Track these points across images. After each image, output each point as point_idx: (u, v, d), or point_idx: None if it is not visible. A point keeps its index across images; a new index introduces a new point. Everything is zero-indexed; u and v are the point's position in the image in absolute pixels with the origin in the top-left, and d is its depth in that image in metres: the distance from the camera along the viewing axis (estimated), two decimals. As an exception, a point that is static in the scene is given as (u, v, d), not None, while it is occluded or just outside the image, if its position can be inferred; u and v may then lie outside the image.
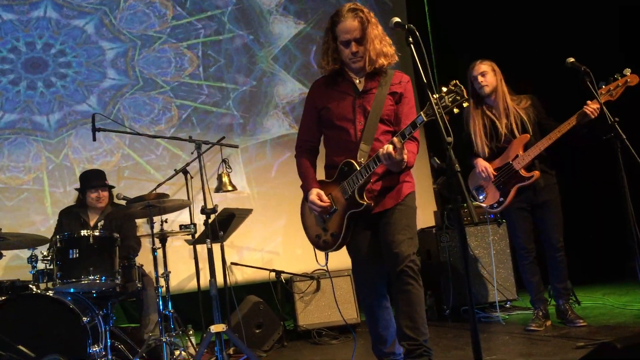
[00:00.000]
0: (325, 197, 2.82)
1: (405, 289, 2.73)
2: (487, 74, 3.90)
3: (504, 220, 4.89)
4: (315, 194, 2.82)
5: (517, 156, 3.84)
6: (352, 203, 2.76)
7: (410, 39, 2.35)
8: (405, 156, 2.63)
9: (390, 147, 2.58)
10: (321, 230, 2.89)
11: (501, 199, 3.92)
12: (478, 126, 3.92)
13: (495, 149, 3.93)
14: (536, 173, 3.82)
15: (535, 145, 3.79)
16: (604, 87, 3.61)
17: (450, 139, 2.18)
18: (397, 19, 2.47)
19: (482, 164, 3.93)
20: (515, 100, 3.92)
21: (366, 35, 2.72)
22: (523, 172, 3.83)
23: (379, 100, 2.76)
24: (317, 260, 2.92)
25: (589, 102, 3.60)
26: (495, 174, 3.91)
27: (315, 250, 2.93)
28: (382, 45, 2.74)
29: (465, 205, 4.01)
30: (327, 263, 2.90)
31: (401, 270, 2.71)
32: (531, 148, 3.80)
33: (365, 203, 2.73)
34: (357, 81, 2.84)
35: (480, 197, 4.03)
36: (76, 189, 4.46)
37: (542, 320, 3.91)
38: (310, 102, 2.94)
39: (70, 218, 4.34)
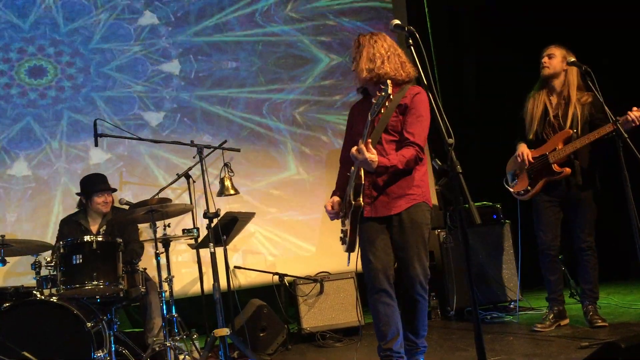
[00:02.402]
0: (335, 205, 3.11)
1: (412, 304, 2.98)
2: (554, 58, 3.87)
3: (507, 221, 4.88)
4: (329, 202, 3.13)
5: (555, 149, 3.81)
6: (349, 204, 2.94)
7: (411, 41, 2.36)
8: (369, 156, 2.74)
9: (354, 149, 2.79)
10: (341, 232, 3.13)
11: (528, 187, 3.90)
12: (536, 109, 3.90)
13: (540, 138, 3.90)
14: (567, 170, 3.78)
15: (573, 142, 3.74)
16: None
17: (451, 141, 2.19)
18: (396, 21, 2.49)
19: (521, 149, 3.92)
20: (578, 94, 3.85)
21: (356, 56, 3.04)
22: (555, 167, 3.79)
23: (387, 112, 2.92)
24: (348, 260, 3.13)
25: (634, 108, 3.52)
26: (532, 161, 3.89)
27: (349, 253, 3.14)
28: (368, 64, 2.96)
29: (467, 206, 4.00)
30: (349, 263, 3.06)
31: (413, 292, 2.96)
32: (569, 144, 3.75)
33: (353, 203, 2.89)
34: (373, 100, 3.01)
35: (513, 182, 4.02)
36: (77, 194, 4.43)
37: (551, 321, 3.87)
38: (347, 121, 3.27)
39: (71, 226, 4.31)
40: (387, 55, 2.96)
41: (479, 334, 2.11)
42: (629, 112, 3.52)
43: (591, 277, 3.85)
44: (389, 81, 2.70)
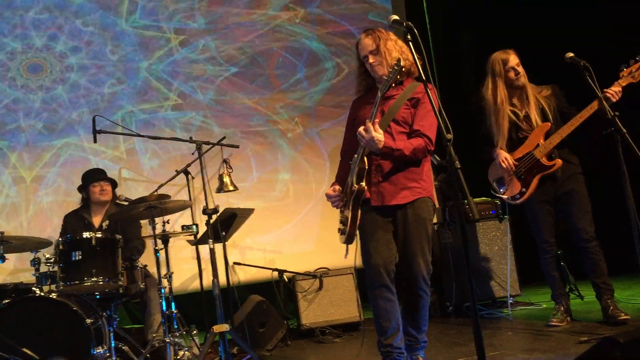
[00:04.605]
0: (338, 189, 3.06)
1: (415, 299, 2.99)
2: (519, 64, 3.86)
3: (506, 216, 4.89)
4: (331, 188, 3.09)
5: (538, 145, 3.78)
6: (351, 190, 2.91)
7: (409, 37, 2.36)
8: (375, 135, 2.74)
9: (361, 128, 2.79)
10: (340, 223, 3.09)
11: (523, 189, 3.85)
12: (503, 115, 3.85)
13: (515, 139, 3.87)
14: (558, 161, 3.77)
15: (556, 133, 3.73)
16: (625, 69, 3.57)
17: (450, 136, 2.20)
18: (395, 17, 2.50)
19: (503, 154, 3.87)
20: (535, 89, 3.87)
21: (380, 46, 2.96)
22: (544, 161, 3.78)
23: (397, 104, 2.93)
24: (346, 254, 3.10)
25: (612, 87, 3.55)
26: (517, 164, 3.85)
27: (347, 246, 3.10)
28: (399, 53, 2.93)
29: (466, 201, 3.99)
30: (346, 255, 3.02)
31: (416, 287, 2.96)
32: (552, 136, 3.74)
33: (356, 187, 2.86)
34: (380, 83, 3.03)
35: (501, 190, 3.96)
36: (79, 189, 4.46)
37: (563, 316, 3.82)
38: (349, 115, 3.22)
39: (75, 221, 4.35)
40: (404, 48, 2.97)
41: (478, 329, 2.12)
42: (606, 90, 3.54)
43: (601, 270, 3.75)
44: (400, 57, 2.70)
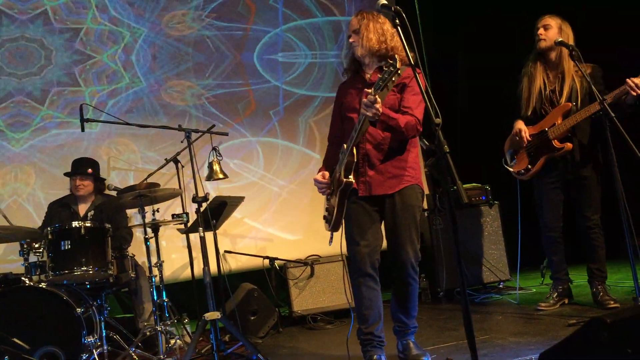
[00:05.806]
0: (327, 176, 3.03)
1: (404, 286, 2.98)
2: (550, 29, 3.72)
3: (496, 202, 4.90)
4: (320, 174, 3.06)
5: (554, 124, 3.68)
6: (339, 182, 2.90)
7: (397, 21, 2.34)
8: (379, 108, 2.66)
9: (367, 98, 2.68)
10: (325, 210, 3.09)
11: (529, 166, 3.79)
12: (533, 84, 3.76)
13: (539, 114, 3.78)
14: (568, 145, 3.66)
15: (572, 116, 3.62)
16: None
17: (438, 120, 2.19)
18: (383, 1, 2.46)
19: (518, 126, 3.79)
20: (575, 66, 3.66)
21: (361, 27, 2.94)
22: (555, 143, 3.68)
23: (384, 90, 2.86)
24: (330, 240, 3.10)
25: (634, 78, 3.39)
26: (530, 139, 3.78)
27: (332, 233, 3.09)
28: (378, 35, 2.91)
29: (455, 186, 3.99)
30: (331, 242, 3.05)
31: (405, 274, 2.96)
32: (568, 118, 3.63)
33: (345, 180, 2.85)
34: (368, 76, 3.02)
35: (512, 162, 3.91)
36: (65, 174, 4.42)
37: (555, 300, 3.83)
38: (335, 100, 3.20)
39: (60, 209, 4.32)
40: (392, 33, 2.93)
41: (468, 313, 2.12)
42: (628, 80, 3.40)
43: (599, 257, 3.77)
44: (397, 56, 2.61)
